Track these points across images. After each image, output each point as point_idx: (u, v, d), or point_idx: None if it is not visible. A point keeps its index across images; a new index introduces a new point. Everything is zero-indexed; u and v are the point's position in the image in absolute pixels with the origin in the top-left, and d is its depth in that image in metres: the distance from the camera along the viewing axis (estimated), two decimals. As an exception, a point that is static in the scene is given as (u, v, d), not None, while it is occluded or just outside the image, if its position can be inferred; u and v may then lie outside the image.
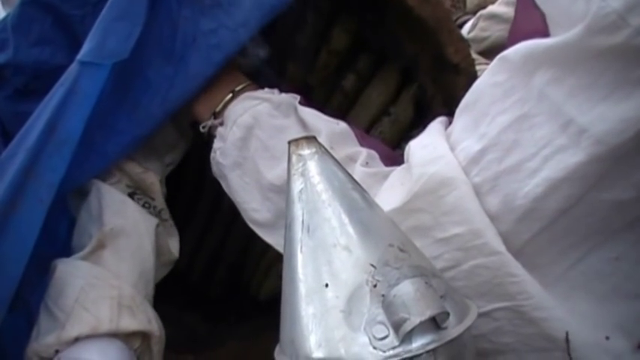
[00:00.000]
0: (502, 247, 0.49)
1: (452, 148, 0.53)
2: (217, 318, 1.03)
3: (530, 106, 0.47)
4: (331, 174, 0.43)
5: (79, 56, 0.63)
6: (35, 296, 0.68)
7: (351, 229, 0.41)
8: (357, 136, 0.68)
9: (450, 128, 0.57)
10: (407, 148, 0.58)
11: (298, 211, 0.42)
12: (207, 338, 0.99)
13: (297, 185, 0.43)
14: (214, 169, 0.71)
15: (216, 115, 0.71)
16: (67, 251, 0.73)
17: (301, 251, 0.41)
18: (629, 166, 0.44)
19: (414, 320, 0.36)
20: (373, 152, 0.67)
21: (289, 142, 0.45)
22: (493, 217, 0.49)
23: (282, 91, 0.73)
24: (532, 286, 0.48)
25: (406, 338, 0.37)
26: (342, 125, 0.68)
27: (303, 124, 0.69)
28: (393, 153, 0.67)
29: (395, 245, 0.41)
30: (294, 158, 0.44)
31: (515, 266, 0.48)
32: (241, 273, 1.03)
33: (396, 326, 0.37)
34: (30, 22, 0.70)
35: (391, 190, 0.54)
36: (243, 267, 1.02)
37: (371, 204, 0.44)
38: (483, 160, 0.50)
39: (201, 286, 1.05)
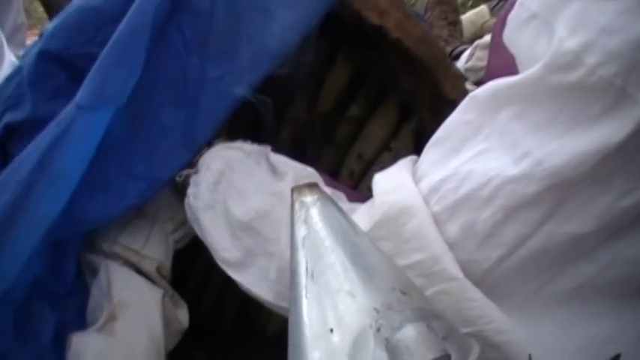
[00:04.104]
0: (460, 274, 0.50)
1: (418, 181, 0.55)
2: (226, 353, 1.04)
3: (492, 141, 0.50)
4: (333, 220, 0.45)
5: (77, 99, 0.64)
6: (47, 331, 0.70)
7: (354, 274, 0.42)
8: (324, 179, 0.70)
9: (418, 163, 0.59)
10: (373, 180, 0.60)
11: (302, 257, 0.44)
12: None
13: (300, 232, 0.44)
14: (188, 213, 0.72)
15: (191, 165, 0.73)
16: (75, 290, 0.75)
17: (306, 297, 0.43)
18: (587, 200, 0.46)
19: (417, 364, 0.38)
20: (340, 193, 0.68)
21: (292, 190, 0.47)
22: (453, 245, 0.51)
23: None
24: (492, 311, 0.50)
25: (410, 381, 0.38)
26: (309, 170, 0.70)
27: (273, 169, 0.72)
28: (363, 199, 0.69)
29: (397, 288, 0.42)
30: (297, 205, 0.46)
31: (474, 292, 0.50)
32: (249, 308, 1.04)
33: (400, 369, 0.38)
34: (45, 77, 0.72)
35: (359, 223, 0.56)
36: (251, 302, 1.03)
37: (372, 248, 0.45)
38: (442, 190, 0.52)
39: (210, 321, 1.06)
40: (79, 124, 0.63)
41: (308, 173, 0.70)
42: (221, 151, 0.72)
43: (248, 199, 0.67)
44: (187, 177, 0.73)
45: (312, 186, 0.46)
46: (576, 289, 0.49)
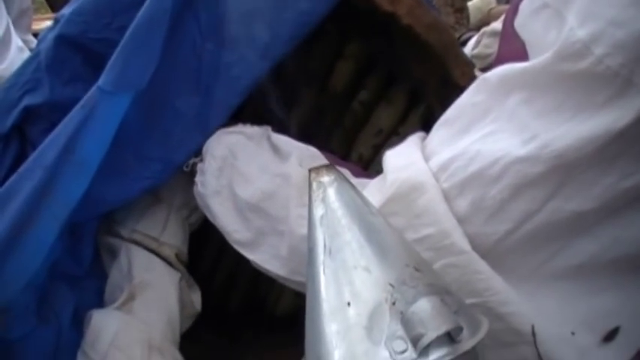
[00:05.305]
0: (468, 247, 0.53)
1: (427, 158, 0.57)
2: (235, 335, 1.05)
3: (500, 123, 0.52)
4: (350, 200, 0.47)
5: (100, 83, 0.66)
6: (65, 311, 0.73)
7: (369, 251, 0.44)
8: (328, 159, 0.72)
9: (427, 140, 0.61)
10: (384, 157, 0.62)
11: (320, 235, 0.46)
12: (226, 354, 1.01)
13: (318, 211, 0.46)
14: (198, 200, 0.75)
15: (197, 153, 0.75)
16: (92, 272, 0.78)
17: (324, 273, 0.44)
18: (589, 180, 0.48)
19: (431, 335, 0.39)
20: (345, 170, 0.70)
21: (309, 170, 0.48)
22: (462, 219, 0.53)
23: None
24: (497, 283, 0.52)
25: (424, 352, 0.40)
26: (312, 150, 0.73)
27: (275, 149, 0.74)
28: (368, 174, 0.71)
29: (411, 265, 0.44)
30: (314, 185, 0.47)
31: (481, 264, 0.52)
32: (258, 290, 1.05)
33: (415, 341, 0.40)
34: (62, 61, 0.73)
35: (370, 198, 0.58)
36: (260, 284, 1.05)
37: (387, 227, 0.47)
38: (451, 168, 0.54)
39: (219, 303, 1.08)
40: (102, 108, 0.65)
41: (311, 153, 0.72)
42: (222, 136, 0.74)
43: (253, 181, 0.69)
44: (194, 165, 0.75)
45: (329, 167, 0.48)
46: (579, 265, 0.51)
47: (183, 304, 0.79)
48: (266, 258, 0.68)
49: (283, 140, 0.74)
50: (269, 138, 0.75)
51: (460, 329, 0.41)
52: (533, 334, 0.51)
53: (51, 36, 0.76)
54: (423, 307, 0.41)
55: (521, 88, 0.50)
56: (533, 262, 0.52)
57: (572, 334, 0.52)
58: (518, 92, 0.51)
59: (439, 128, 0.59)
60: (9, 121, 0.76)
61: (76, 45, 0.74)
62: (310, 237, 0.47)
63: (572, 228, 0.50)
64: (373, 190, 0.59)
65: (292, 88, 0.89)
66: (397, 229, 0.49)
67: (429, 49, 0.76)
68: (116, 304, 0.73)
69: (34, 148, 0.67)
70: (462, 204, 0.53)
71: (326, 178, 0.47)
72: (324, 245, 0.45)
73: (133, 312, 0.72)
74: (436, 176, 0.55)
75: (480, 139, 0.53)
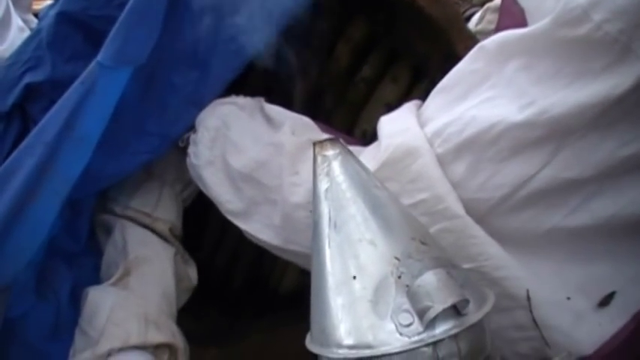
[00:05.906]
0: (462, 211, 0.53)
1: (423, 125, 0.57)
2: (238, 313, 1.06)
3: (499, 89, 0.52)
4: (354, 173, 0.46)
5: (100, 58, 0.65)
6: (64, 289, 0.73)
7: (375, 225, 0.44)
8: (320, 128, 0.72)
9: (423, 107, 0.61)
10: (379, 123, 0.62)
11: (325, 208, 0.45)
12: (229, 332, 1.02)
13: (323, 185, 0.46)
14: (191, 171, 0.75)
15: (191, 128, 0.75)
16: (89, 249, 0.79)
17: (329, 246, 0.44)
18: (587, 147, 0.48)
19: (437, 308, 0.39)
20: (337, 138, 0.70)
21: (314, 144, 0.48)
22: (457, 185, 0.53)
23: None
24: (491, 247, 0.52)
25: (430, 325, 0.40)
26: (305, 119, 0.72)
27: (268, 119, 0.73)
28: (358, 142, 0.71)
29: (416, 238, 0.44)
30: (319, 159, 0.47)
31: (475, 229, 0.53)
32: (261, 268, 1.05)
33: (421, 314, 0.40)
34: (64, 39, 0.73)
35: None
36: (263, 262, 1.05)
37: (392, 200, 0.47)
38: (445, 133, 0.54)
39: (222, 281, 1.08)
40: (102, 83, 0.64)
41: (304, 122, 0.72)
42: (215, 107, 0.74)
43: (246, 151, 0.69)
44: (188, 139, 0.75)
45: (334, 140, 0.48)
46: (575, 233, 0.52)
47: (179, 278, 0.78)
48: (259, 227, 0.68)
49: (276, 110, 0.74)
50: (262, 108, 0.75)
51: (466, 302, 0.41)
52: (528, 298, 0.51)
53: (52, 13, 0.75)
54: (429, 280, 0.41)
55: (520, 55, 0.50)
56: (529, 229, 0.53)
57: (568, 299, 0.52)
58: (516, 58, 0.51)
59: (436, 95, 0.59)
60: (10, 100, 0.75)
61: (77, 22, 0.74)
62: (315, 210, 0.46)
63: (568, 196, 0.50)
64: (368, 157, 0.59)
65: (295, 65, 0.88)
66: (402, 203, 0.49)
67: (432, 23, 0.75)
68: (112, 280, 0.73)
69: (36, 125, 0.67)
70: (457, 169, 0.53)
71: (330, 152, 0.47)
72: (329, 219, 0.45)
73: (129, 287, 0.72)
74: (431, 141, 0.55)
75: (476, 105, 0.53)
